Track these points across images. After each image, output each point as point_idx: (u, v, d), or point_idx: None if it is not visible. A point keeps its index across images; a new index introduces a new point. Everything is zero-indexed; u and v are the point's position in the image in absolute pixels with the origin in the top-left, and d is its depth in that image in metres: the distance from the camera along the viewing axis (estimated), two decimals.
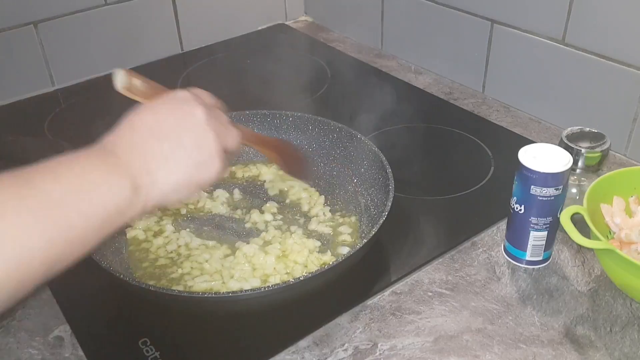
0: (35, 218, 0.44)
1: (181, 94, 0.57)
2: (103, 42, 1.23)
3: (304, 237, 0.78)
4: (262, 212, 0.83)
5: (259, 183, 0.89)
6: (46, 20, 1.15)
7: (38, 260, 0.44)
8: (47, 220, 0.44)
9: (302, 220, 0.82)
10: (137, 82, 0.60)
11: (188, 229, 0.79)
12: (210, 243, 0.77)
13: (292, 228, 0.80)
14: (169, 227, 0.80)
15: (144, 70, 1.32)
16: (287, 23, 1.48)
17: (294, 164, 0.81)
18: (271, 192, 0.87)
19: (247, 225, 0.81)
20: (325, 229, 0.80)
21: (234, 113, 0.93)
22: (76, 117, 1.12)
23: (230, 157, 0.60)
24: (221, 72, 1.25)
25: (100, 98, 1.18)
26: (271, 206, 0.84)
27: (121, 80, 0.59)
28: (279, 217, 0.82)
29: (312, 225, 0.80)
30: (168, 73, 1.25)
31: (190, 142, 0.54)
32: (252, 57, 1.31)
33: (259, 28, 1.45)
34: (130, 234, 0.78)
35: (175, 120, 0.55)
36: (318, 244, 0.77)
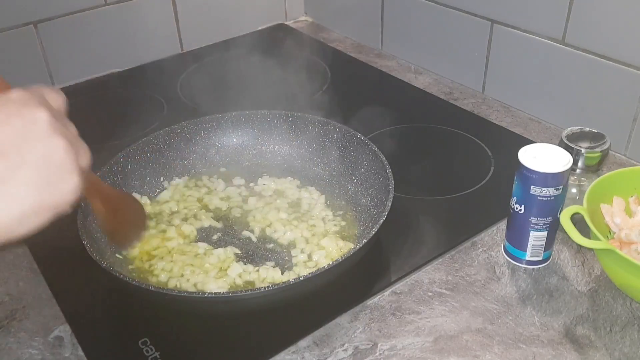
0: None
1: (17, 95, 0.45)
2: (103, 42, 1.23)
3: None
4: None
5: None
6: (46, 20, 1.15)
7: None
8: None
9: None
10: None
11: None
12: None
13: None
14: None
15: (144, 70, 1.33)
16: (287, 23, 1.48)
17: (122, 227, 0.67)
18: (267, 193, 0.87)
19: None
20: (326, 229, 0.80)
21: (234, 113, 0.94)
22: (76, 117, 1.11)
23: (83, 174, 0.47)
24: (221, 72, 1.25)
25: (100, 98, 1.18)
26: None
27: None
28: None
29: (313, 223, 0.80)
30: (168, 73, 1.24)
31: (34, 156, 0.42)
32: (252, 57, 1.31)
33: (259, 28, 1.45)
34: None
35: (13, 131, 0.42)
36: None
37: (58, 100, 0.49)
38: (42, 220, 0.44)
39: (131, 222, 0.69)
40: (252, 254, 0.77)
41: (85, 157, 0.47)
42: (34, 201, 0.43)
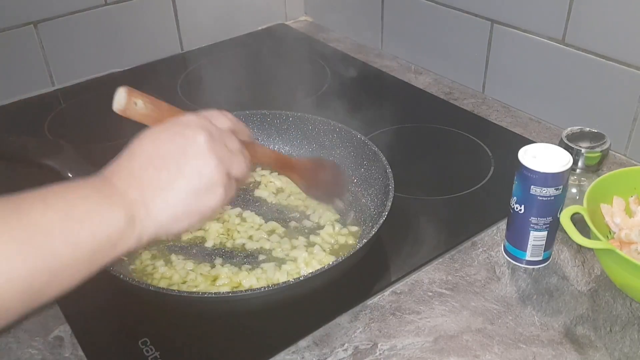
0: (18, 246, 0.42)
1: (186, 119, 0.55)
2: (103, 42, 1.23)
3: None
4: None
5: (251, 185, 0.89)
6: (46, 20, 1.15)
7: (17, 290, 0.42)
8: (30, 249, 0.43)
9: (302, 220, 0.82)
10: (139, 102, 0.57)
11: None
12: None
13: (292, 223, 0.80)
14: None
15: (144, 70, 1.33)
16: (287, 23, 1.48)
17: (320, 186, 0.78)
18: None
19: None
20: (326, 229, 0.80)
21: (234, 113, 0.93)
22: (76, 117, 1.12)
23: (239, 184, 0.58)
24: (221, 72, 1.25)
25: (100, 98, 1.18)
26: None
27: (119, 102, 0.57)
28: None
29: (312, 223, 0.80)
30: (168, 73, 1.25)
31: (190, 170, 0.52)
32: (252, 57, 1.31)
33: (259, 28, 1.45)
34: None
35: (176, 147, 0.53)
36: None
37: (224, 122, 0.59)
38: (191, 222, 0.54)
39: (329, 180, 0.79)
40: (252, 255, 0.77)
41: (238, 169, 0.56)
42: (184, 206, 0.52)
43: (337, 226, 0.80)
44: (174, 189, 0.52)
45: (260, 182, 0.88)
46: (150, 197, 0.50)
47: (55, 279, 0.45)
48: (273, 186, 0.87)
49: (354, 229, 0.80)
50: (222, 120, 0.59)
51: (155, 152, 0.52)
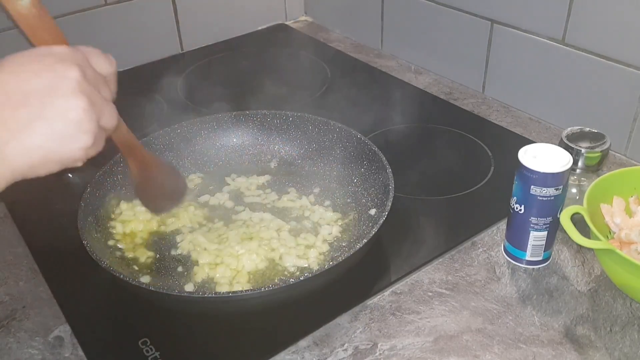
0: None
1: (60, 50, 0.49)
2: (103, 42, 1.23)
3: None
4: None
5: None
6: None
7: None
8: None
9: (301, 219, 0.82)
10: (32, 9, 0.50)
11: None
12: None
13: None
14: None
15: (143, 70, 1.33)
16: (287, 23, 1.48)
17: (155, 192, 0.72)
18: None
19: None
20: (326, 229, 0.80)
21: (234, 113, 0.94)
22: None
23: (104, 135, 0.51)
24: (221, 72, 1.25)
25: None
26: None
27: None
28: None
29: (312, 223, 0.80)
30: (168, 73, 1.25)
31: (54, 110, 0.46)
32: (252, 57, 1.31)
33: (259, 28, 1.45)
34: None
35: (41, 83, 0.46)
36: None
37: (103, 64, 0.52)
38: (49, 170, 0.47)
39: (165, 190, 0.72)
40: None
41: (109, 119, 0.50)
42: (45, 151, 0.46)
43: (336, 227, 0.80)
44: (33, 132, 0.45)
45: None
46: (4, 138, 0.45)
47: None
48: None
49: (354, 228, 0.80)
50: (101, 62, 0.52)
51: (16, 86, 0.46)
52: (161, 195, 0.73)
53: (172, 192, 0.75)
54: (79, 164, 0.49)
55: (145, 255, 0.76)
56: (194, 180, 0.89)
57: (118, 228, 0.78)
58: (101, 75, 0.51)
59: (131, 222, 0.79)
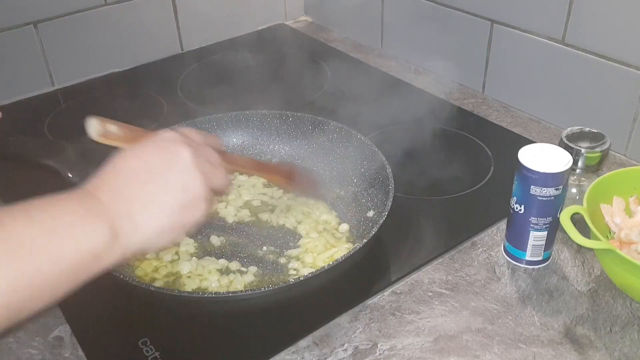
0: None
1: (167, 135, 0.56)
2: (103, 42, 1.23)
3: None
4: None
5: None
6: (46, 20, 1.15)
7: None
8: (11, 263, 0.42)
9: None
10: (113, 127, 0.58)
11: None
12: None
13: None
14: None
15: (144, 70, 1.33)
16: (287, 23, 1.48)
17: (303, 184, 0.81)
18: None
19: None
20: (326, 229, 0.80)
21: (234, 113, 0.94)
22: (76, 117, 1.11)
23: (218, 197, 0.59)
24: (221, 72, 1.25)
25: (100, 98, 1.18)
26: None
27: (95, 129, 0.57)
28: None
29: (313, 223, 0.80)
30: (168, 73, 1.25)
31: (175, 184, 0.52)
32: (252, 57, 1.31)
33: (259, 28, 1.45)
34: None
35: (161, 162, 0.53)
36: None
37: (198, 137, 0.59)
38: (174, 236, 0.54)
39: (305, 177, 0.82)
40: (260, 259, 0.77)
41: (220, 181, 0.57)
42: (169, 220, 0.52)
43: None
44: (160, 203, 0.52)
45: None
46: (137, 210, 0.50)
47: (37, 294, 0.44)
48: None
49: (354, 228, 0.80)
50: (195, 135, 0.59)
51: (140, 166, 0.52)
52: (309, 185, 0.83)
53: (310, 180, 0.84)
54: (196, 228, 0.56)
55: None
56: None
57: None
58: (203, 144, 0.58)
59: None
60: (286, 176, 0.78)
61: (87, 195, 0.50)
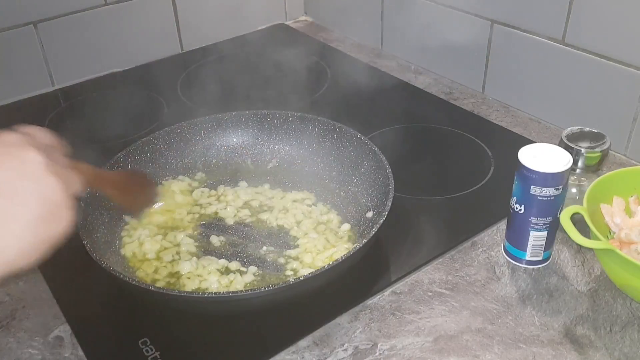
0: None
1: (9, 138, 0.48)
2: (103, 42, 1.23)
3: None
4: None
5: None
6: (46, 20, 1.15)
7: None
8: None
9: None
10: None
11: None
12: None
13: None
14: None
15: (144, 71, 1.33)
16: (287, 23, 1.48)
17: (133, 199, 0.72)
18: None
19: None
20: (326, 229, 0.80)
21: (234, 113, 0.94)
22: (76, 117, 1.12)
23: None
24: (221, 72, 1.25)
25: (100, 98, 1.18)
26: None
27: None
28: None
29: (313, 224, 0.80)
30: (168, 73, 1.25)
31: (31, 195, 0.45)
32: (252, 57, 1.31)
33: (259, 28, 1.45)
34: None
35: (7, 172, 0.45)
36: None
37: (47, 137, 0.51)
38: (41, 253, 0.46)
39: (140, 193, 0.74)
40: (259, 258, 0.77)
41: (75, 185, 0.50)
42: (32, 237, 0.45)
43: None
44: (17, 220, 0.44)
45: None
46: None
47: None
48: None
49: (354, 228, 0.80)
50: (41, 135, 0.52)
51: None
52: (139, 198, 0.74)
53: (145, 192, 0.76)
54: (66, 236, 0.48)
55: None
56: (194, 180, 0.89)
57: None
58: (50, 146, 0.51)
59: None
60: (123, 189, 0.69)
61: None
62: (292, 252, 0.76)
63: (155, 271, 0.74)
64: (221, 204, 0.85)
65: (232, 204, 0.85)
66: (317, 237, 0.78)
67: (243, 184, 0.89)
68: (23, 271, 0.46)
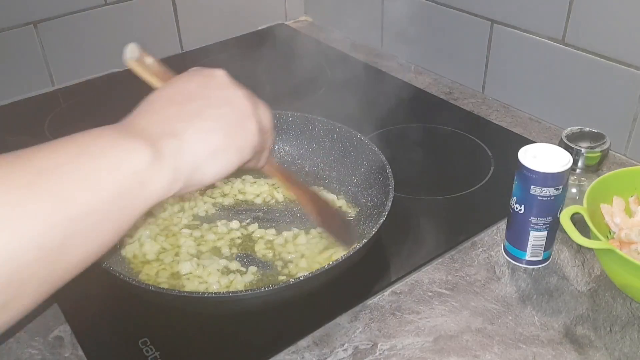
0: (23, 192, 0.35)
1: (196, 68, 0.53)
2: (103, 42, 1.23)
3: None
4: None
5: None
6: (46, 20, 1.15)
7: (33, 246, 0.35)
8: (38, 194, 0.35)
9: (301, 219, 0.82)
10: (150, 59, 0.56)
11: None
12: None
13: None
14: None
15: None
16: (287, 23, 1.48)
17: (332, 221, 0.72)
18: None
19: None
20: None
21: None
22: (76, 117, 1.12)
23: (264, 138, 0.53)
24: None
25: (100, 98, 1.18)
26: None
27: (132, 53, 0.55)
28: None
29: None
30: None
31: (217, 98, 0.48)
32: (252, 57, 1.31)
33: (259, 28, 1.45)
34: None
35: (197, 84, 0.49)
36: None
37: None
38: (230, 161, 0.48)
39: (334, 214, 0.74)
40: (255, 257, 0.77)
41: (265, 113, 0.53)
42: (222, 136, 0.47)
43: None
44: (205, 116, 0.46)
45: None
46: (180, 127, 0.45)
47: (79, 232, 0.37)
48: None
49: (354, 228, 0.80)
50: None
51: (175, 92, 0.48)
52: (338, 223, 0.74)
53: (339, 217, 0.76)
54: (249, 157, 0.50)
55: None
56: None
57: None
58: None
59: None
60: (315, 204, 0.71)
61: (120, 124, 0.45)
62: (292, 252, 0.76)
63: (157, 274, 0.73)
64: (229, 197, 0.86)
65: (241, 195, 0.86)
66: (317, 237, 0.78)
67: (248, 177, 0.89)
68: (215, 178, 0.47)
